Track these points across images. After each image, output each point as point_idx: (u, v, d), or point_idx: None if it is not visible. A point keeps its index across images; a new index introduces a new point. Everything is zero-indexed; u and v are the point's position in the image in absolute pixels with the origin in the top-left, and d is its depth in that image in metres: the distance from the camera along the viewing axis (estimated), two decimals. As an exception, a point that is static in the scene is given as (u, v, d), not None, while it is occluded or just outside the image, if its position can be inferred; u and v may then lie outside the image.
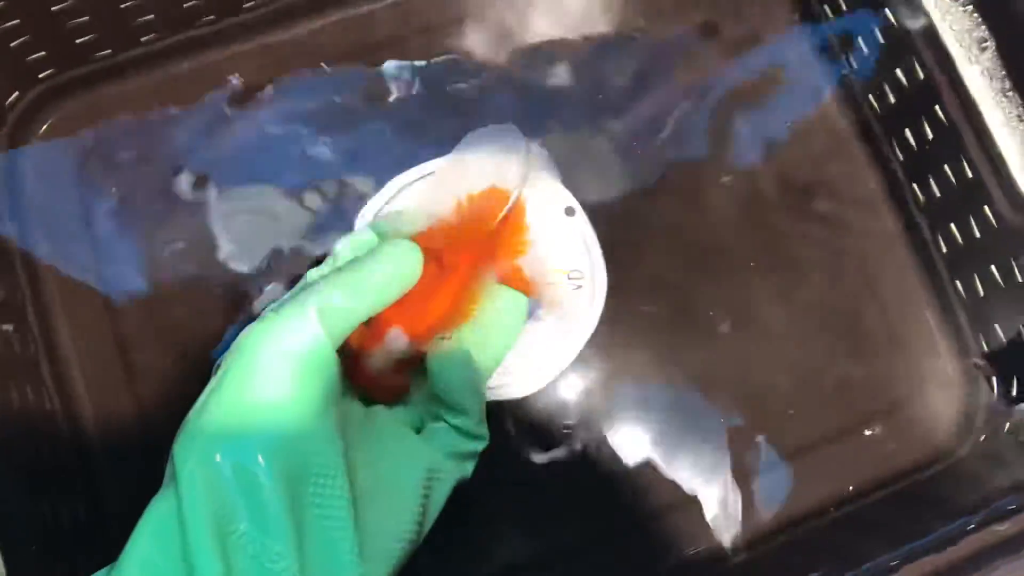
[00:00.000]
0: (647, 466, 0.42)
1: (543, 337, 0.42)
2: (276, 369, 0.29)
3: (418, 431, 0.36)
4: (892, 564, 0.33)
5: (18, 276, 0.41)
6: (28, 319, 0.41)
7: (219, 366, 0.30)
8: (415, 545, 0.33)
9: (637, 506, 0.42)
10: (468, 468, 0.36)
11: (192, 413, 0.30)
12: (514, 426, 0.42)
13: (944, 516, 0.37)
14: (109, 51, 0.43)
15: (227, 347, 0.30)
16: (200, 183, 0.44)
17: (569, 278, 0.43)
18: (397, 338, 0.34)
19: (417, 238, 0.35)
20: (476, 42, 0.46)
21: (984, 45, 0.40)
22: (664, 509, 0.42)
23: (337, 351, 0.33)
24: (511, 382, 0.42)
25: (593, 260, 0.43)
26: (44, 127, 0.43)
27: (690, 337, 0.44)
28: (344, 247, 0.36)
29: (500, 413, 0.42)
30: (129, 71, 0.44)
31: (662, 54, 0.47)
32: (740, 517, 0.41)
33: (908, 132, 0.44)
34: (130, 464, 0.40)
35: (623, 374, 0.43)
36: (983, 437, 0.42)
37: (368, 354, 0.34)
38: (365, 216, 0.42)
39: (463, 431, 0.36)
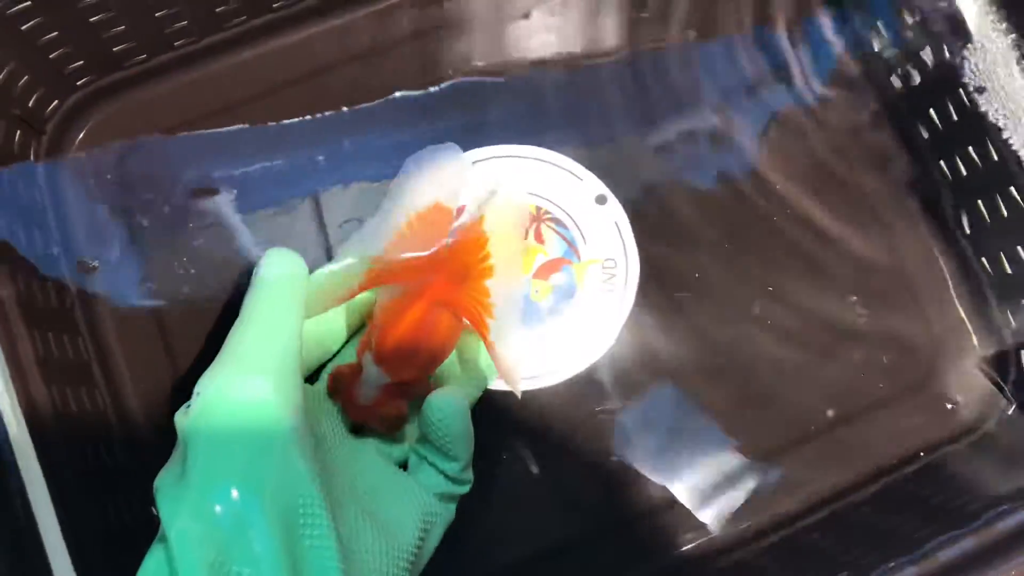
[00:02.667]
0: (655, 459, 0.43)
1: (574, 327, 0.44)
2: (237, 416, 0.30)
3: (400, 465, 0.37)
4: (926, 544, 0.34)
5: (67, 285, 0.42)
6: (79, 325, 0.42)
7: (186, 411, 0.31)
8: None
9: (641, 500, 0.43)
10: (453, 511, 0.37)
11: (168, 468, 0.31)
12: (525, 417, 0.43)
13: (971, 493, 0.38)
14: (144, 56, 0.43)
15: None
16: (222, 195, 0.44)
17: (603, 268, 0.44)
18: (368, 364, 0.35)
19: (376, 265, 0.36)
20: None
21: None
22: (669, 503, 0.43)
23: (331, 386, 0.35)
24: (541, 372, 0.43)
25: (627, 247, 0.44)
26: (82, 133, 0.44)
27: (721, 322, 0.44)
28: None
29: (517, 403, 0.43)
30: (163, 75, 0.44)
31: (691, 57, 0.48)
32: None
33: (933, 111, 0.45)
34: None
35: (651, 364, 0.44)
36: (1010, 411, 0.43)
37: (355, 388, 0.35)
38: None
39: (448, 475, 0.36)
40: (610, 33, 0.47)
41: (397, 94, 0.45)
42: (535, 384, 0.43)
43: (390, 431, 0.37)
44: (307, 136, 0.45)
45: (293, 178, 0.45)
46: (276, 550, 0.28)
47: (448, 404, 0.35)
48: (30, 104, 0.41)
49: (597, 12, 0.47)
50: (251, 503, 0.29)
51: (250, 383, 0.31)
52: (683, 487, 0.43)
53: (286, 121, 0.45)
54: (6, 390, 0.34)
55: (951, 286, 0.45)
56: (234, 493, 0.29)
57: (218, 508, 0.28)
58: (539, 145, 0.45)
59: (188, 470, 0.29)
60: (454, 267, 0.37)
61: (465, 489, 0.37)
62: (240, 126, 0.45)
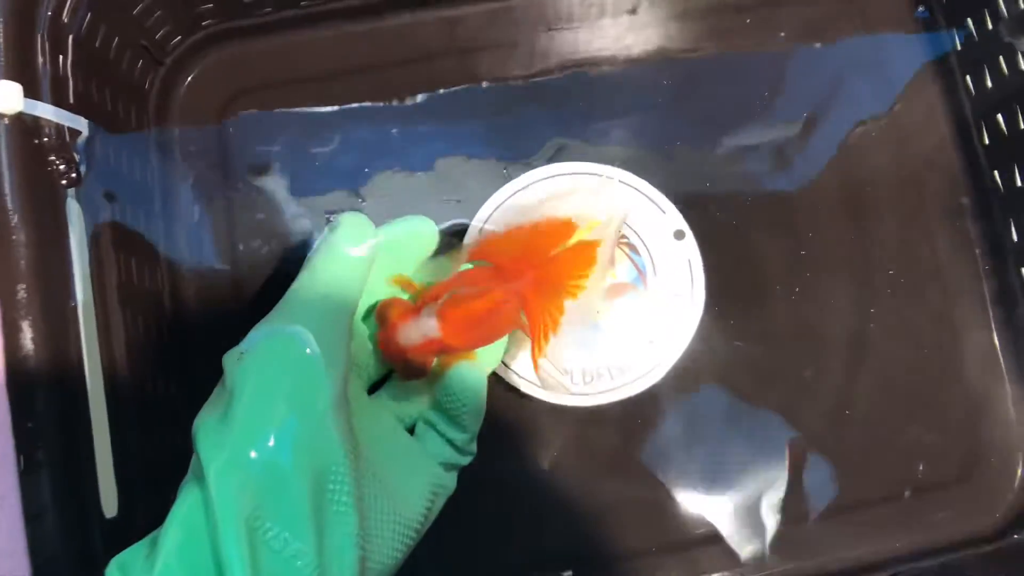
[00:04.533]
0: (686, 492, 0.44)
1: (623, 356, 0.44)
2: (284, 368, 0.31)
3: (407, 429, 0.38)
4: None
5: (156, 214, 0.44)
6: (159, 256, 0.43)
7: (235, 359, 0.31)
8: (406, 556, 0.34)
9: (644, 542, 0.43)
10: (455, 481, 0.38)
11: (210, 409, 0.31)
12: (551, 433, 0.44)
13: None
14: (269, 8, 0.44)
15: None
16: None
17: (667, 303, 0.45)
18: (428, 314, 0.35)
19: (486, 242, 0.37)
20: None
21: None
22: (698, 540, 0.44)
23: (379, 312, 0.36)
24: (580, 390, 0.44)
25: (695, 286, 0.45)
26: (194, 72, 0.45)
27: (774, 378, 0.45)
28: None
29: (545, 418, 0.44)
30: (282, 30, 0.45)
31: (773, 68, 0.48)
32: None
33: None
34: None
35: (690, 409, 0.44)
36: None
37: (400, 327, 0.35)
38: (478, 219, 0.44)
39: (455, 445, 0.37)
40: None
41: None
42: (570, 401, 0.44)
43: (405, 377, 0.37)
44: (387, 117, 0.46)
45: (376, 152, 0.46)
46: (306, 509, 0.29)
47: (471, 377, 0.37)
48: (157, 37, 0.43)
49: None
50: (286, 454, 0.29)
51: (301, 340, 0.31)
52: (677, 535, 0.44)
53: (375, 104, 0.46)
54: (84, 314, 0.35)
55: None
56: (270, 441, 0.29)
57: (253, 453, 0.29)
58: (626, 169, 0.45)
59: (230, 414, 0.29)
60: (550, 276, 0.38)
61: (467, 460, 0.38)
62: (330, 107, 0.46)
